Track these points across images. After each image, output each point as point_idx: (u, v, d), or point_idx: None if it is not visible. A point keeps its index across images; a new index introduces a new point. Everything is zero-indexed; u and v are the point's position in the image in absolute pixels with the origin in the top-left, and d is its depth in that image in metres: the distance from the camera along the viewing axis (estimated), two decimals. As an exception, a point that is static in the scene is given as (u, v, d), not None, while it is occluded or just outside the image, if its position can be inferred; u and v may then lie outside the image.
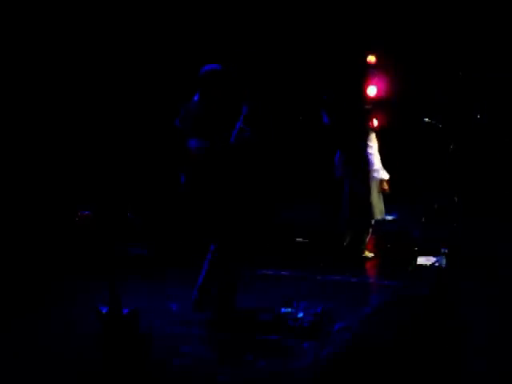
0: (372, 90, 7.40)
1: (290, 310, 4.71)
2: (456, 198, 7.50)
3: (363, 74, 7.52)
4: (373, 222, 7.04)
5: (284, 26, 8.74)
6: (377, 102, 7.27)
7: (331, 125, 7.04)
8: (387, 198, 7.16)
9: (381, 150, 7.13)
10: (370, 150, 6.96)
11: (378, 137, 7.13)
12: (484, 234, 7.81)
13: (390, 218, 8.62)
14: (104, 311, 3.96)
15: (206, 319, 4.74)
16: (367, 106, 7.14)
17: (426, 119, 7.09)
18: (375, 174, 6.99)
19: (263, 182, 7.90)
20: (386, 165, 7.18)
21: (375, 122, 7.12)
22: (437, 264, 6.43)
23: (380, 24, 8.67)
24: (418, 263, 6.49)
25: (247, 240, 5.00)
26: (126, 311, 3.97)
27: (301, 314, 4.61)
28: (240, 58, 7.44)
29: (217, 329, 4.61)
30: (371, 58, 8.12)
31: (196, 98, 4.83)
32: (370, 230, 7.11)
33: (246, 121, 4.71)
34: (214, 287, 4.90)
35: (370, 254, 7.04)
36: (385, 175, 7.03)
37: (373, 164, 6.96)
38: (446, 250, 6.67)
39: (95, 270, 5.43)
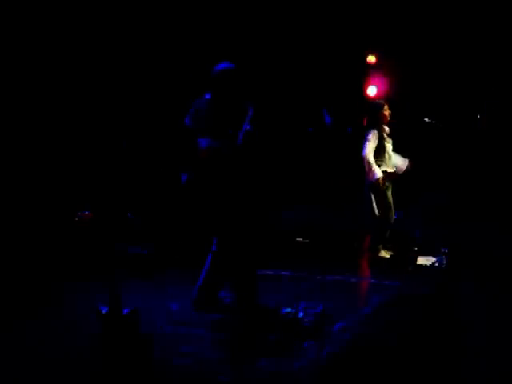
0: (372, 90, 7.40)
1: (289, 309, 4.71)
2: (456, 198, 7.50)
3: (363, 73, 7.53)
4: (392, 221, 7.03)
5: (284, 27, 8.74)
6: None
7: (333, 124, 7.03)
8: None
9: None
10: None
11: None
12: (483, 233, 7.82)
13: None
14: (104, 311, 3.95)
15: (213, 320, 4.75)
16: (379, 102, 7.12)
17: (426, 119, 7.08)
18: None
19: (265, 182, 7.90)
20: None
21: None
22: (437, 264, 6.44)
23: (380, 24, 8.67)
24: (417, 263, 6.50)
25: (250, 240, 4.96)
26: (126, 311, 3.97)
27: (301, 314, 4.61)
28: (244, 59, 7.45)
29: (248, 330, 4.56)
30: (371, 58, 8.13)
31: (208, 96, 4.76)
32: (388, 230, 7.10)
33: (252, 122, 4.68)
34: (214, 287, 4.91)
35: (387, 254, 6.98)
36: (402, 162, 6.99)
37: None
38: (446, 250, 6.68)
39: (95, 270, 5.43)
